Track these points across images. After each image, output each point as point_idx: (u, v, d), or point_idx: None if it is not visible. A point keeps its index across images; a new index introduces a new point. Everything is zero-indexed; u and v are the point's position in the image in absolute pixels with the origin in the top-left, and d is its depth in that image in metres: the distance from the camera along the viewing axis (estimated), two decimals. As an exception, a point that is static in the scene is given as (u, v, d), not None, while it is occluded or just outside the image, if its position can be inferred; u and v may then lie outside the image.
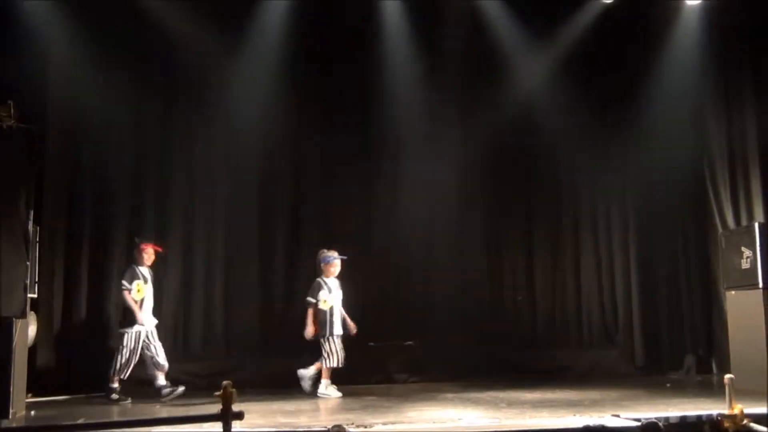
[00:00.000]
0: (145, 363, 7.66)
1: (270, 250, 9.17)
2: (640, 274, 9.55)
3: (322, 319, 7.97)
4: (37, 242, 6.81)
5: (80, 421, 5.85)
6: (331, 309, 8.00)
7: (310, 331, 7.98)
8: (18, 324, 6.27)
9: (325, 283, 8.08)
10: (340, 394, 7.75)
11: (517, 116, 9.42)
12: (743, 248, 7.65)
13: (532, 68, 9.50)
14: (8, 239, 5.82)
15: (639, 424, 5.33)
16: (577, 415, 5.81)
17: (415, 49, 9.30)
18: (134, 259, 7.83)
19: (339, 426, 5.17)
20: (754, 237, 7.51)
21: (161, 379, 7.58)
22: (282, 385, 8.14)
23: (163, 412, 6.76)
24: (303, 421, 5.84)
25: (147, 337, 7.62)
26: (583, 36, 9.30)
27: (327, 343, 7.93)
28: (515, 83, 9.49)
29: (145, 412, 6.70)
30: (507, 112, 9.39)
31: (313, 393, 7.83)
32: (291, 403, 7.03)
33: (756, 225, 7.69)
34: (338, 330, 8.01)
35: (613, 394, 7.34)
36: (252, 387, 7.76)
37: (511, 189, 9.68)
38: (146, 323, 7.64)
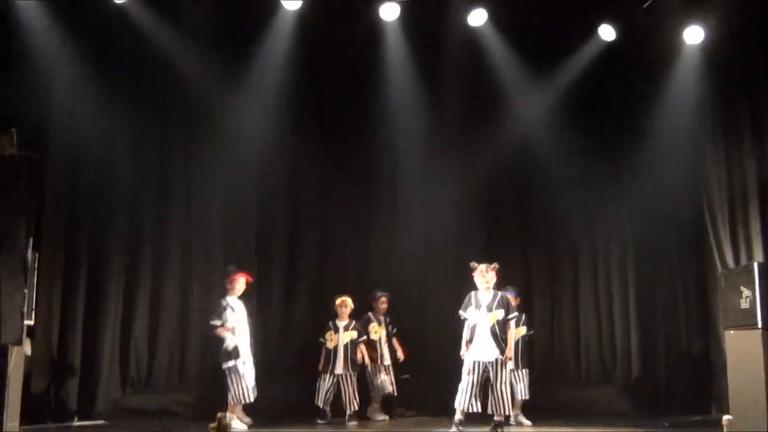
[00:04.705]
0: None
1: (267, 279, 9.17)
2: (639, 312, 9.49)
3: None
4: (35, 269, 6.80)
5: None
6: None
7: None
8: (13, 350, 6.24)
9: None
10: None
11: (515, 151, 9.51)
12: (742, 288, 7.61)
13: (531, 102, 9.55)
14: (7, 267, 5.82)
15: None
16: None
17: (414, 78, 9.40)
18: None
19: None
20: (753, 277, 7.47)
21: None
22: (279, 414, 8.12)
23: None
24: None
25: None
26: (583, 73, 9.36)
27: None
28: (514, 116, 9.55)
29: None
30: (505, 146, 9.47)
31: None
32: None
33: (755, 264, 7.65)
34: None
35: (609, 433, 7.29)
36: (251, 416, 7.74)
37: (508, 223, 9.72)
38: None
